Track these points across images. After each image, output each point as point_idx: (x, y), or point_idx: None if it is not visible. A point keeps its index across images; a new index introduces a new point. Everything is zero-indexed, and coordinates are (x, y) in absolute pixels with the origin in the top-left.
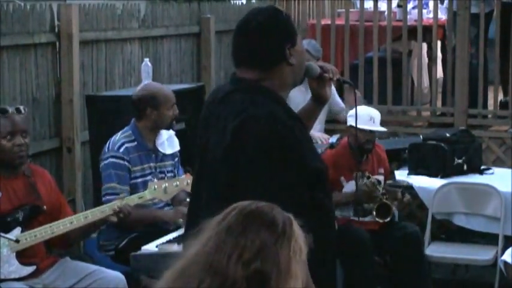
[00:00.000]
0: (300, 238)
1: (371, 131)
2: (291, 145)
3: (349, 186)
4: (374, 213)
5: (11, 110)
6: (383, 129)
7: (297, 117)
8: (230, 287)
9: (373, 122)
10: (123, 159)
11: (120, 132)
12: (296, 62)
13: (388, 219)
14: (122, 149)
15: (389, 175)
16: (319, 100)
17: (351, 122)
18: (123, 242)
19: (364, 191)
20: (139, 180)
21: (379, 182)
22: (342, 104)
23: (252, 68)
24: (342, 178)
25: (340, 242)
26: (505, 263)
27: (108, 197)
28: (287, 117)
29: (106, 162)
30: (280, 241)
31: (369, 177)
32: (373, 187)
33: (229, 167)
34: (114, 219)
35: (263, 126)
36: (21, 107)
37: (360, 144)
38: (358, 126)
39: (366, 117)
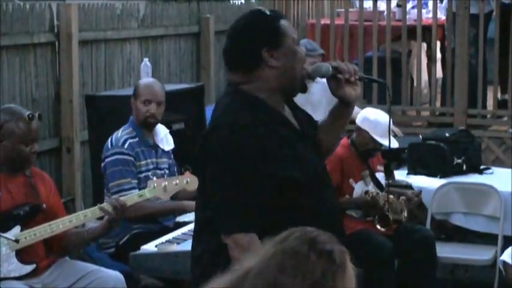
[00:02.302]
0: (351, 271)
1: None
2: (252, 154)
3: (359, 187)
4: (376, 223)
5: (36, 116)
6: (396, 144)
7: (281, 122)
8: None
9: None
10: (129, 154)
11: (121, 129)
12: (281, 65)
13: (388, 227)
14: (126, 145)
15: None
16: (341, 101)
17: (365, 125)
18: (124, 239)
19: (365, 201)
20: (143, 175)
21: (380, 189)
22: None
23: (235, 72)
24: (351, 180)
25: (360, 247)
26: (504, 262)
27: (124, 193)
28: (259, 124)
29: (112, 158)
30: (338, 273)
31: (366, 192)
32: (374, 199)
33: (199, 173)
34: (111, 213)
35: (224, 135)
36: (41, 114)
37: (367, 149)
38: (374, 136)
39: (384, 128)
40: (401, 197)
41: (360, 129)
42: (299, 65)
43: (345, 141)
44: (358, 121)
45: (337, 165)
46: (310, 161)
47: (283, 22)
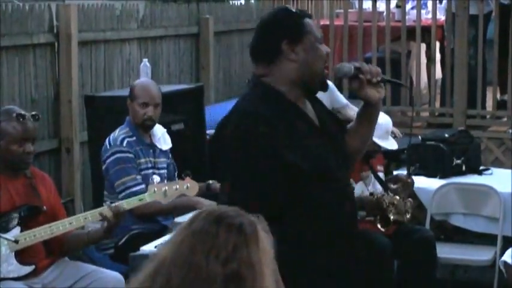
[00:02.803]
0: (265, 240)
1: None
2: (262, 141)
3: (359, 187)
4: (377, 223)
5: (27, 115)
6: (395, 146)
7: (297, 115)
8: (209, 286)
9: (388, 135)
10: (128, 152)
11: (118, 129)
12: (300, 59)
13: (388, 228)
14: (124, 143)
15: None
16: (365, 102)
17: None
18: (123, 240)
19: (370, 202)
20: (142, 173)
21: (385, 192)
22: (344, 100)
23: (258, 63)
24: (351, 180)
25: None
26: (506, 263)
27: (131, 190)
28: (273, 114)
29: (113, 158)
30: (250, 243)
31: (371, 194)
32: (379, 201)
33: (212, 159)
34: (111, 219)
35: (238, 122)
36: (39, 115)
37: (367, 151)
38: (373, 138)
39: (384, 129)
40: (409, 199)
41: None
42: (319, 62)
43: None
44: None
45: None
46: (322, 155)
47: (307, 20)
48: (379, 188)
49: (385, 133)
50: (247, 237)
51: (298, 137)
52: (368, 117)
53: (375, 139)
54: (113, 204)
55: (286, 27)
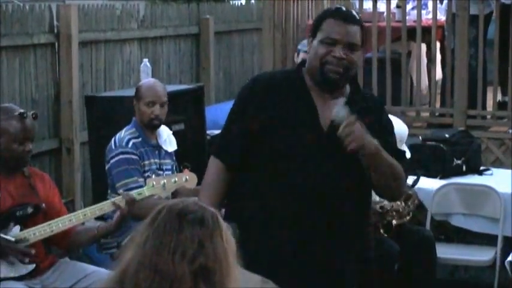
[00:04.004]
0: (227, 229)
1: None
2: (242, 102)
3: None
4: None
5: (28, 114)
6: (409, 155)
7: (300, 98)
8: (178, 285)
9: (402, 143)
10: (133, 153)
11: (124, 129)
12: (309, 53)
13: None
14: (130, 144)
15: None
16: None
17: None
18: (126, 239)
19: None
20: (146, 175)
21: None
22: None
23: None
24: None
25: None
26: None
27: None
28: (273, 87)
29: (117, 159)
30: (214, 235)
31: (382, 207)
32: (383, 210)
33: None
34: (124, 208)
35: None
36: (37, 113)
37: None
38: None
39: (398, 137)
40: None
41: None
42: (314, 60)
43: None
44: None
45: None
46: (297, 139)
47: (329, 20)
48: None
49: (399, 141)
50: (211, 229)
51: (283, 117)
52: (368, 163)
53: None
54: (125, 193)
55: (313, 22)
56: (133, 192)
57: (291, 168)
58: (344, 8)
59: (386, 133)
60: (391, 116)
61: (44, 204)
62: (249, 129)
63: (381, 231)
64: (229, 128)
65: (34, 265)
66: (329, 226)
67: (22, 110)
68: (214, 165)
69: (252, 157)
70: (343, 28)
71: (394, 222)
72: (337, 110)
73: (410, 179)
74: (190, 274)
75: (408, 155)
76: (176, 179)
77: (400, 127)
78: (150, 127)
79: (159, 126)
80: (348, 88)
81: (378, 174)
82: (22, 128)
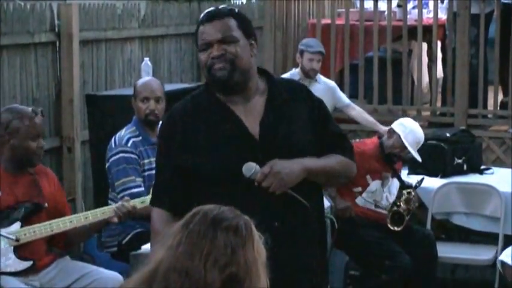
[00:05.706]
0: (259, 239)
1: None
2: (166, 141)
3: (374, 185)
4: (388, 220)
5: (38, 112)
6: (419, 159)
7: (218, 113)
8: None
9: (417, 147)
10: (132, 153)
11: (124, 128)
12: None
13: (401, 227)
14: (129, 143)
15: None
16: None
17: (399, 129)
18: (127, 238)
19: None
20: (146, 173)
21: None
22: (347, 100)
23: None
24: (368, 176)
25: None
26: (503, 263)
27: (130, 191)
28: (195, 112)
29: (116, 157)
30: (247, 245)
31: (397, 208)
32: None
33: None
34: (115, 220)
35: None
36: (42, 110)
37: (393, 154)
38: (404, 140)
39: (416, 140)
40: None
41: (393, 132)
42: (203, 71)
43: (375, 140)
44: (394, 124)
45: (358, 159)
46: (231, 158)
47: (199, 28)
48: (393, 191)
49: (416, 143)
50: (244, 238)
51: (205, 138)
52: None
53: (406, 143)
54: (124, 198)
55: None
56: (136, 201)
57: (236, 188)
58: (212, 9)
59: (326, 121)
60: (408, 124)
61: (46, 204)
62: (180, 167)
63: (389, 225)
64: (161, 172)
65: (31, 262)
66: (292, 227)
67: (32, 108)
68: (158, 215)
69: (195, 189)
70: (210, 28)
71: (405, 219)
72: (244, 170)
73: (413, 179)
74: (220, 282)
75: (419, 159)
76: None
77: (419, 131)
78: (147, 123)
79: (156, 122)
80: (264, 83)
81: (322, 180)
82: (34, 125)
